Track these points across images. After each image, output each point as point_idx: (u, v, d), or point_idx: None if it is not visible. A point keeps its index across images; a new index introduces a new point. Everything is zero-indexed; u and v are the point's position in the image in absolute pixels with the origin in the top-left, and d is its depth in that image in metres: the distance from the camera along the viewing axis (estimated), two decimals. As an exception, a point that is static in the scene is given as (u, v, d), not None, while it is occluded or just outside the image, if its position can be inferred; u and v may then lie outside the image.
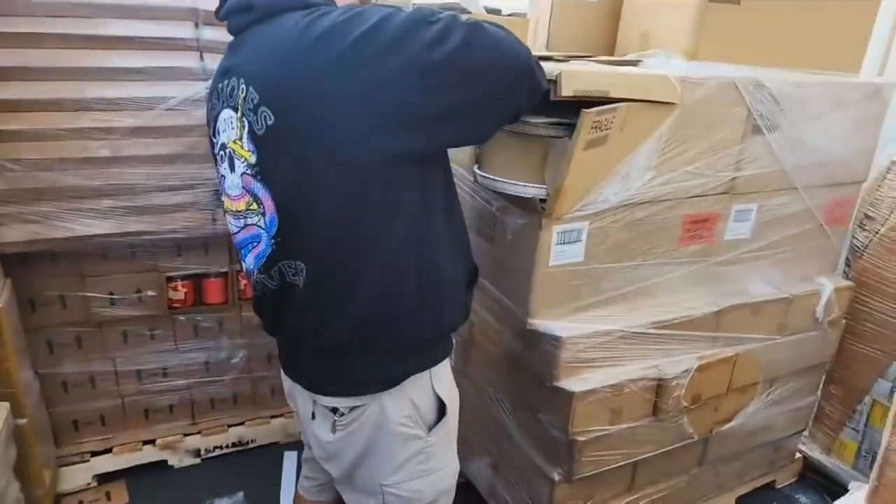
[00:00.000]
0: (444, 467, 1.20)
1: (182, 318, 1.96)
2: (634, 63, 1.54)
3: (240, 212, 1.04)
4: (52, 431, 1.92)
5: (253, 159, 0.97)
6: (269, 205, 0.98)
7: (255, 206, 1.00)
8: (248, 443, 2.14)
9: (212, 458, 2.10)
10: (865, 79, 1.72)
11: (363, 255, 0.98)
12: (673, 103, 1.33)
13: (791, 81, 1.52)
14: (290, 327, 1.12)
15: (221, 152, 1.03)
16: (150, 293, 1.87)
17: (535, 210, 1.35)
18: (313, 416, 1.16)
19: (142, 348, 1.95)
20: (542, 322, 1.45)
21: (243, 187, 1.01)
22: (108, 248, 1.79)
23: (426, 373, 1.14)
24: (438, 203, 1.03)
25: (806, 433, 2.16)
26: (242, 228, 1.05)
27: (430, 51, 0.87)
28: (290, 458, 2.11)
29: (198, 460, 2.09)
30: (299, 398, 1.20)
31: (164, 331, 1.96)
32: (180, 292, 1.90)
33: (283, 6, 0.94)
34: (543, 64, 1.19)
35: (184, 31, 1.65)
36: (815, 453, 2.17)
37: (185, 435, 2.07)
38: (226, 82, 0.99)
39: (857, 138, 1.69)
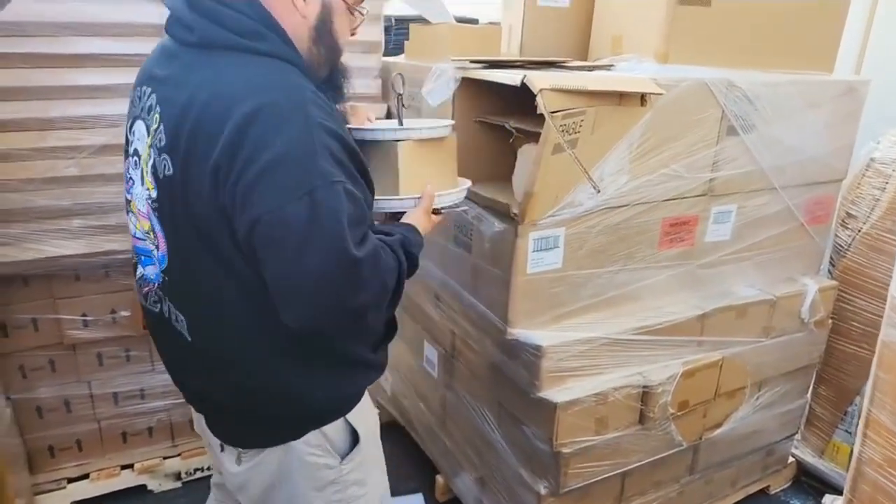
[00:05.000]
0: (364, 495, 1.13)
1: (159, 338, 1.92)
2: (607, 67, 1.53)
3: (141, 229, 1.02)
4: (27, 459, 1.87)
5: (154, 194, 0.96)
6: (161, 242, 0.98)
7: (151, 235, 1.00)
8: (230, 464, 2.09)
9: (193, 480, 2.05)
10: (840, 77, 1.72)
11: (240, 330, 0.96)
12: (644, 106, 1.32)
13: (764, 81, 1.51)
14: (178, 368, 1.11)
15: (135, 157, 1.00)
16: (124, 313, 1.83)
17: (511, 217, 1.33)
18: (221, 448, 1.12)
19: (117, 370, 1.90)
20: (523, 331, 1.42)
21: (145, 212, 0.99)
22: (81, 268, 1.75)
23: None
24: None
25: (798, 437, 2.13)
26: (143, 241, 1.03)
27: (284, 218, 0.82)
28: (273, 479, 2.06)
29: (178, 484, 2.03)
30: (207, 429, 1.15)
31: (140, 351, 1.91)
32: (156, 312, 1.86)
33: (221, 42, 0.89)
34: (515, 72, 1.17)
35: (150, 47, 1.61)
36: (809, 457, 2.13)
37: (165, 458, 2.01)
38: (147, 91, 0.95)
39: (834, 136, 1.68)
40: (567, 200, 1.33)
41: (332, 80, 1.06)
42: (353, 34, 1.07)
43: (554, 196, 1.31)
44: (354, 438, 1.11)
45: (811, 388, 2.06)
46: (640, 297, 1.56)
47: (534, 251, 1.36)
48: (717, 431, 1.74)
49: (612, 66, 1.54)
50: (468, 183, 1.26)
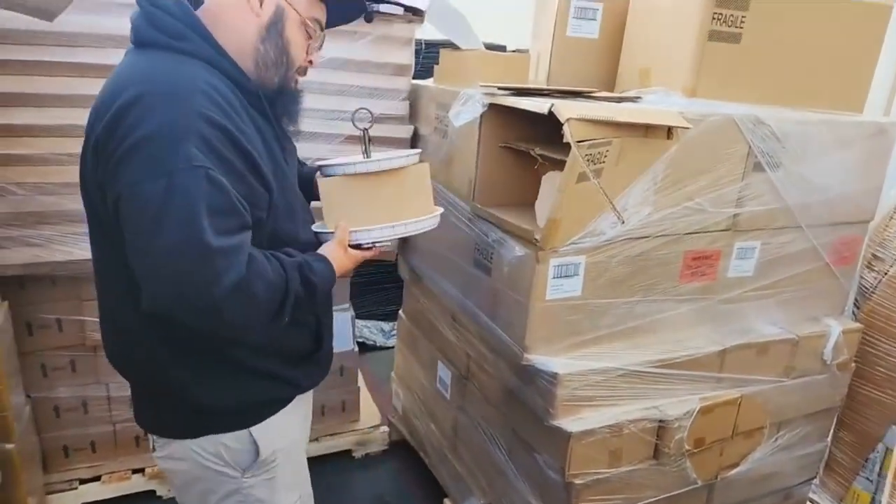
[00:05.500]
0: None
1: (178, 344, 1.94)
2: (634, 99, 1.54)
3: None
4: (41, 457, 1.90)
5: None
6: (84, 215, 1.02)
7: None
8: (239, 475, 2.09)
9: (201, 489, 2.05)
10: (869, 117, 1.71)
11: (130, 310, 0.96)
12: (670, 139, 1.32)
13: (792, 119, 1.51)
14: (103, 340, 1.12)
15: None
16: (146, 319, 1.86)
17: (532, 242, 1.33)
18: (145, 434, 1.18)
19: (136, 374, 1.93)
20: (539, 357, 1.42)
21: None
22: (107, 272, 1.79)
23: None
24: None
25: (816, 481, 2.07)
26: None
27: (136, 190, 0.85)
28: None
29: (187, 492, 2.04)
30: None
31: (158, 357, 1.94)
32: (177, 318, 1.89)
33: (151, 41, 0.95)
34: (542, 100, 1.18)
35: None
36: (827, 503, 2.07)
37: (176, 465, 2.03)
38: None
39: (863, 177, 1.67)
40: (589, 229, 1.33)
41: (282, 101, 1.05)
42: (310, 60, 1.08)
43: (576, 224, 1.31)
44: (259, 455, 1.09)
45: (832, 432, 2.01)
46: (659, 330, 1.55)
47: (554, 278, 1.36)
48: (734, 471, 1.70)
49: (639, 98, 1.55)
50: (409, 220, 1.16)
